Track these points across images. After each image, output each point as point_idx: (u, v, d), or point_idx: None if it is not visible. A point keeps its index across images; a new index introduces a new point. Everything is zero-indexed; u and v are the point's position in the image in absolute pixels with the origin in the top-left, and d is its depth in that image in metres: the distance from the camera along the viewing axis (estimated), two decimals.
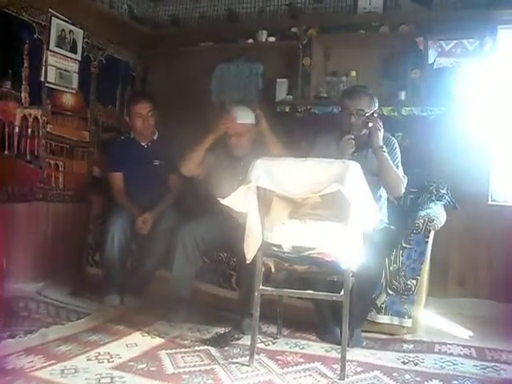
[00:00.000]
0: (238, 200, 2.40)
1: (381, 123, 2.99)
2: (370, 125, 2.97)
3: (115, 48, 4.45)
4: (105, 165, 4.07)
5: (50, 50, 3.77)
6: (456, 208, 3.51)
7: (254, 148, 3.31)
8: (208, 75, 4.44)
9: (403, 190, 3.05)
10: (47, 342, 2.68)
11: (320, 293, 2.58)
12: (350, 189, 2.21)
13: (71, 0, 3.86)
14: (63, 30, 3.85)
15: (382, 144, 2.97)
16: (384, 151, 2.96)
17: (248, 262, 2.50)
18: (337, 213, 2.36)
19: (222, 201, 2.44)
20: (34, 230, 3.77)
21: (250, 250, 2.46)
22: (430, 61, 3.79)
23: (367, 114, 3.00)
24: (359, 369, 2.53)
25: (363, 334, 2.97)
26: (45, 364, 2.38)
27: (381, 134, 2.97)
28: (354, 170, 2.29)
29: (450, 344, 2.94)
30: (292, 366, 2.55)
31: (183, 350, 2.70)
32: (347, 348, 2.52)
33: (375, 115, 3.05)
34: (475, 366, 2.61)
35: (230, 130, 3.30)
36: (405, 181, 3.05)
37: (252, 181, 2.35)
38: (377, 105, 3.11)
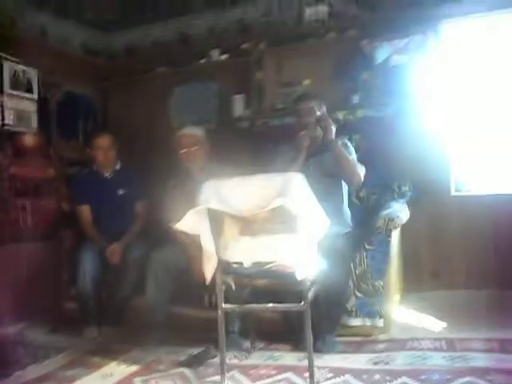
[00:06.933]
0: (190, 223, 2.44)
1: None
2: (323, 122, 3.13)
3: (72, 83, 4.49)
4: (72, 199, 4.09)
5: (6, 93, 3.81)
6: (419, 202, 3.55)
7: (210, 167, 3.35)
8: (166, 100, 4.49)
9: (362, 178, 3.13)
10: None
11: (280, 305, 2.61)
12: (293, 201, 2.24)
13: (21, 41, 3.90)
14: (15, 71, 3.90)
15: (334, 137, 3.10)
16: (337, 143, 3.10)
17: (207, 283, 2.53)
18: (287, 225, 2.39)
19: (175, 226, 2.48)
20: (8, 274, 3.75)
21: (208, 271, 2.49)
22: (379, 62, 3.85)
23: (318, 113, 3.16)
24: (330, 374, 2.55)
25: (338, 339, 2.99)
26: None
27: (333, 128, 3.11)
28: (296, 182, 2.32)
29: (422, 339, 2.96)
30: (264, 378, 2.57)
31: (158, 374, 2.72)
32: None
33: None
34: (444, 357, 2.65)
35: (183, 140, 3.45)
36: (363, 169, 3.15)
37: (201, 203, 2.39)
38: (325, 108, 3.25)
